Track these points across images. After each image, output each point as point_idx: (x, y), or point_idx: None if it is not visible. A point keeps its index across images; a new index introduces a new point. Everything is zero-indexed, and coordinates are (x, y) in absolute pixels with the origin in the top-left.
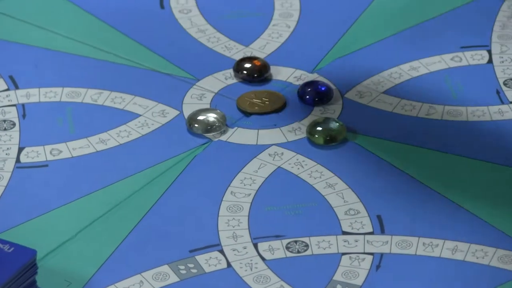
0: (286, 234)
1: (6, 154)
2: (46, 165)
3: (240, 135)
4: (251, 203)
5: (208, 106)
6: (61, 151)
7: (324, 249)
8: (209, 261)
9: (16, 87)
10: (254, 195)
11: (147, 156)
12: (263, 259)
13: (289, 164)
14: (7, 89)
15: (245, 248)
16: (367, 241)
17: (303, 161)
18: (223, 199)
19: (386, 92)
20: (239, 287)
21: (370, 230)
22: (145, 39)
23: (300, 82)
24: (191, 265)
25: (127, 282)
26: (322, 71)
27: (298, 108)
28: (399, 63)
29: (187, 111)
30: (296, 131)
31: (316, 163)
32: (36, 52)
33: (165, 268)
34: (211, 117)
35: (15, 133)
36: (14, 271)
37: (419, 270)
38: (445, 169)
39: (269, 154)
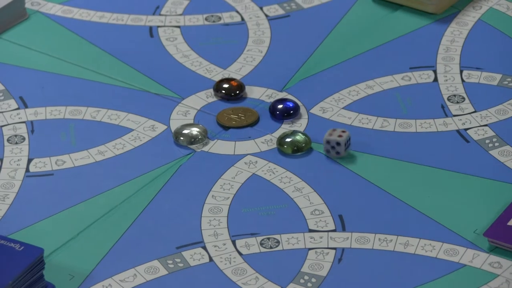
0: (260, 232)
1: (17, 164)
2: (52, 174)
3: (219, 147)
4: (230, 205)
5: (192, 121)
6: (64, 162)
7: (293, 244)
8: (194, 256)
9: (26, 107)
10: (232, 198)
11: (139, 165)
12: (240, 254)
13: (262, 171)
14: (18, 108)
15: (224, 244)
16: (330, 237)
17: (274, 168)
18: (206, 202)
19: (346, 107)
20: (219, 278)
21: (333, 227)
22: (137, 64)
23: (271, 100)
24: (178, 260)
25: (123, 275)
26: (290, 90)
27: (269, 122)
28: (357, 82)
29: (173, 126)
30: (268, 142)
31: (285, 170)
32: (42, 76)
33: (155, 263)
34: (195, 131)
35: (25, 146)
36: (24, 266)
37: (375, 262)
38: (397, 174)
39: (245, 163)
